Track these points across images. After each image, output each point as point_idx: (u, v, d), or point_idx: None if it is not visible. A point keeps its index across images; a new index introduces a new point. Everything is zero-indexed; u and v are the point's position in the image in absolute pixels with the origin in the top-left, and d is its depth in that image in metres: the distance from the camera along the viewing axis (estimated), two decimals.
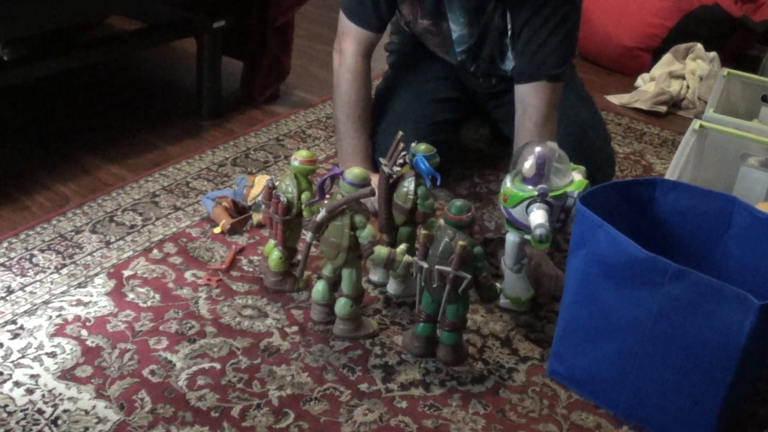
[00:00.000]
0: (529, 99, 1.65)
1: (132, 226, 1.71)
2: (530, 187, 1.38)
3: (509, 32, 1.70)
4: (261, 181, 1.77)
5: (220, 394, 1.30)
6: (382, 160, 1.53)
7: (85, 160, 1.98)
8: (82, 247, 1.63)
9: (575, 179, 1.41)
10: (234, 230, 1.70)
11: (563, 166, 1.40)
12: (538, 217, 1.35)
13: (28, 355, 1.35)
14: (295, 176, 1.50)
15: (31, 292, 1.49)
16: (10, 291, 1.49)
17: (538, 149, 1.38)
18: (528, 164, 1.39)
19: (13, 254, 1.59)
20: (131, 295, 1.51)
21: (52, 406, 1.25)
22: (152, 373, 1.33)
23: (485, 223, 1.82)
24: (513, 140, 1.71)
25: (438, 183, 1.49)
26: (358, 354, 1.41)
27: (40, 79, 2.00)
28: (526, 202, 1.37)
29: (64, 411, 1.25)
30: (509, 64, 1.76)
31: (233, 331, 1.44)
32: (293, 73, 2.44)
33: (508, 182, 1.42)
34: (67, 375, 1.31)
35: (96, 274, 1.55)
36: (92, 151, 2.03)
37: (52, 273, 1.55)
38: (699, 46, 2.60)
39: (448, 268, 1.30)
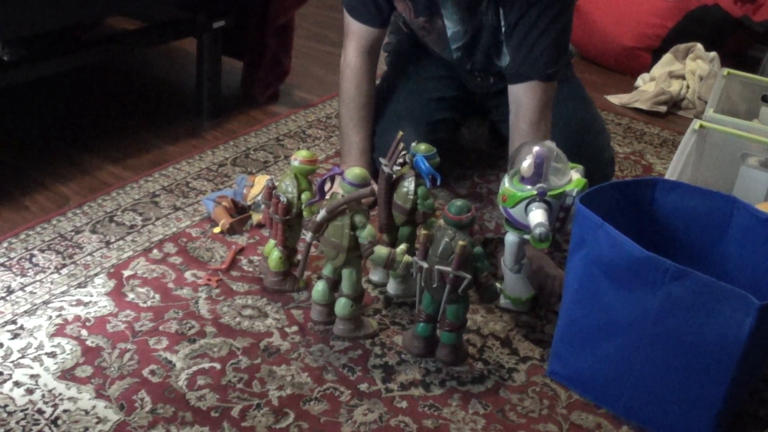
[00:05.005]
0: (523, 99, 1.65)
1: (132, 226, 1.71)
2: (529, 187, 1.38)
3: (503, 29, 1.70)
4: (261, 181, 1.77)
5: (220, 394, 1.30)
6: (382, 160, 1.53)
7: (85, 160, 1.98)
8: (82, 247, 1.63)
9: (573, 178, 1.41)
10: (233, 230, 1.70)
11: (562, 166, 1.40)
12: (537, 216, 1.35)
13: (28, 355, 1.35)
14: (295, 176, 1.50)
15: (31, 292, 1.49)
16: (10, 291, 1.49)
17: (536, 149, 1.38)
18: (526, 164, 1.38)
19: (13, 254, 1.59)
20: (131, 295, 1.51)
21: (52, 406, 1.25)
22: (152, 373, 1.33)
23: (485, 223, 1.82)
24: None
25: (438, 183, 1.49)
26: (358, 354, 1.41)
27: (40, 79, 2.00)
28: (525, 202, 1.37)
29: (64, 411, 1.25)
30: (505, 60, 1.76)
31: (233, 331, 1.44)
32: (293, 73, 2.44)
33: (506, 182, 1.42)
34: (67, 375, 1.31)
35: (96, 274, 1.55)
36: (92, 151, 2.03)
37: (52, 273, 1.55)
38: (699, 46, 2.60)
39: (448, 268, 1.30)
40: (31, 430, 1.21)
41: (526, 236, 1.40)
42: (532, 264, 1.53)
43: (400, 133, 1.52)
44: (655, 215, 1.41)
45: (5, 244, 1.62)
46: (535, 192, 1.36)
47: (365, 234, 1.36)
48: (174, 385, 1.31)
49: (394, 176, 1.52)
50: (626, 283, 1.22)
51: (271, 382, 1.33)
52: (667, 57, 2.64)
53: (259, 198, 1.73)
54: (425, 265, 1.33)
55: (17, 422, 1.22)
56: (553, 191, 1.37)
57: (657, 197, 1.40)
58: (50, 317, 1.43)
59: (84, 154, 2.01)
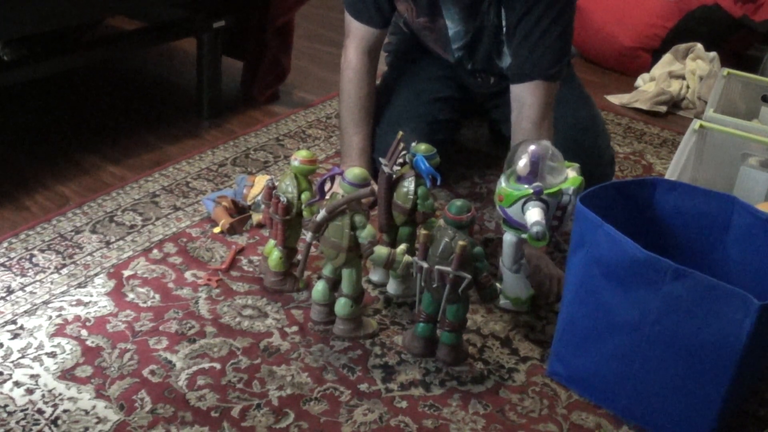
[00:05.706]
0: (525, 99, 1.65)
1: (132, 226, 1.71)
2: (525, 186, 1.38)
3: (504, 29, 1.70)
4: (261, 181, 1.77)
5: (220, 394, 1.30)
6: (382, 160, 1.53)
7: (85, 160, 1.98)
8: (82, 247, 1.63)
9: (570, 176, 1.41)
10: (233, 230, 1.70)
11: (557, 164, 1.40)
12: (534, 214, 1.35)
13: (28, 355, 1.35)
14: (295, 176, 1.50)
15: (31, 292, 1.49)
16: (10, 291, 1.49)
17: (531, 148, 1.38)
18: (522, 163, 1.39)
19: (13, 254, 1.59)
20: (131, 295, 1.51)
21: (52, 406, 1.25)
22: (152, 373, 1.33)
23: (485, 223, 1.82)
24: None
25: (438, 183, 1.49)
26: (358, 354, 1.41)
27: (40, 79, 2.00)
28: (521, 201, 1.37)
29: (64, 411, 1.25)
30: (506, 60, 1.76)
31: (233, 331, 1.44)
32: (293, 73, 2.44)
33: (502, 182, 1.42)
34: (67, 375, 1.31)
35: (96, 274, 1.55)
36: (92, 151, 2.03)
37: (52, 273, 1.55)
38: (699, 46, 2.60)
39: (448, 268, 1.30)
40: (31, 430, 1.21)
41: (524, 235, 1.40)
42: (531, 263, 1.53)
43: (400, 133, 1.52)
44: (655, 215, 1.41)
45: (5, 244, 1.62)
46: (531, 191, 1.36)
47: (365, 234, 1.36)
48: (174, 385, 1.31)
49: (394, 176, 1.52)
50: (626, 283, 1.22)
51: (271, 382, 1.33)
52: (667, 57, 2.64)
53: (259, 198, 1.73)
54: (425, 265, 1.33)
55: (17, 422, 1.22)
56: (550, 189, 1.37)
57: (657, 197, 1.40)
58: (50, 317, 1.43)
59: (84, 154, 2.01)
